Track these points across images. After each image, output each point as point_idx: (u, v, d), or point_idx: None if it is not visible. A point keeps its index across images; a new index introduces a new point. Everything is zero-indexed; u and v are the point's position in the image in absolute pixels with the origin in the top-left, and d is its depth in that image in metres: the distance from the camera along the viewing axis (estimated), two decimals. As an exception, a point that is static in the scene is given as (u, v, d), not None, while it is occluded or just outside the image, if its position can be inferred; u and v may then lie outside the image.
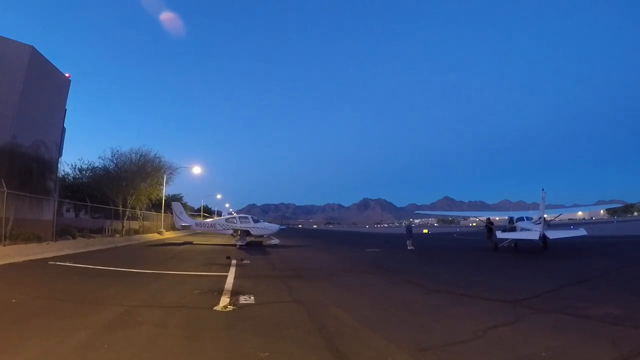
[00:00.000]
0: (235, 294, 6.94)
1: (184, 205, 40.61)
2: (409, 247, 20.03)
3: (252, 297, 6.63)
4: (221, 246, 20.72)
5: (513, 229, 17.48)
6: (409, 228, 22.76)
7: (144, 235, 28.34)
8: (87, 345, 3.93)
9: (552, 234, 15.88)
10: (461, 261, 13.85)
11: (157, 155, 30.40)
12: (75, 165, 29.34)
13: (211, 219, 29.90)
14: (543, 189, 16.14)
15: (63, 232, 18.05)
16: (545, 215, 16.65)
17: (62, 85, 22.53)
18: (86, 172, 29.20)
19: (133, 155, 28.69)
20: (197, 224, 26.31)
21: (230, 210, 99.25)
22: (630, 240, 22.41)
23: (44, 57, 20.22)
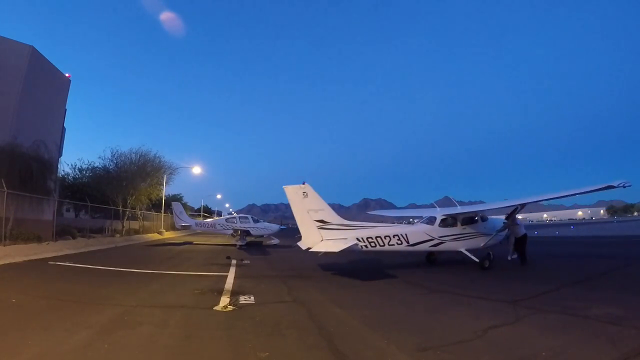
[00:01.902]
0: (235, 294, 6.94)
1: (184, 205, 40.57)
2: None
3: (252, 297, 6.63)
4: (221, 246, 20.71)
5: None
6: None
7: (144, 235, 28.33)
8: (88, 345, 3.93)
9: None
10: (460, 261, 13.82)
11: (157, 155, 30.39)
12: (75, 165, 29.40)
13: (211, 219, 29.87)
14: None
15: (63, 232, 18.07)
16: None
17: (62, 85, 22.50)
18: (86, 172, 29.24)
19: (133, 155, 28.70)
20: (197, 224, 26.26)
21: (230, 210, 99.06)
22: (631, 241, 22.39)
23: (44, 57, 20.20)
